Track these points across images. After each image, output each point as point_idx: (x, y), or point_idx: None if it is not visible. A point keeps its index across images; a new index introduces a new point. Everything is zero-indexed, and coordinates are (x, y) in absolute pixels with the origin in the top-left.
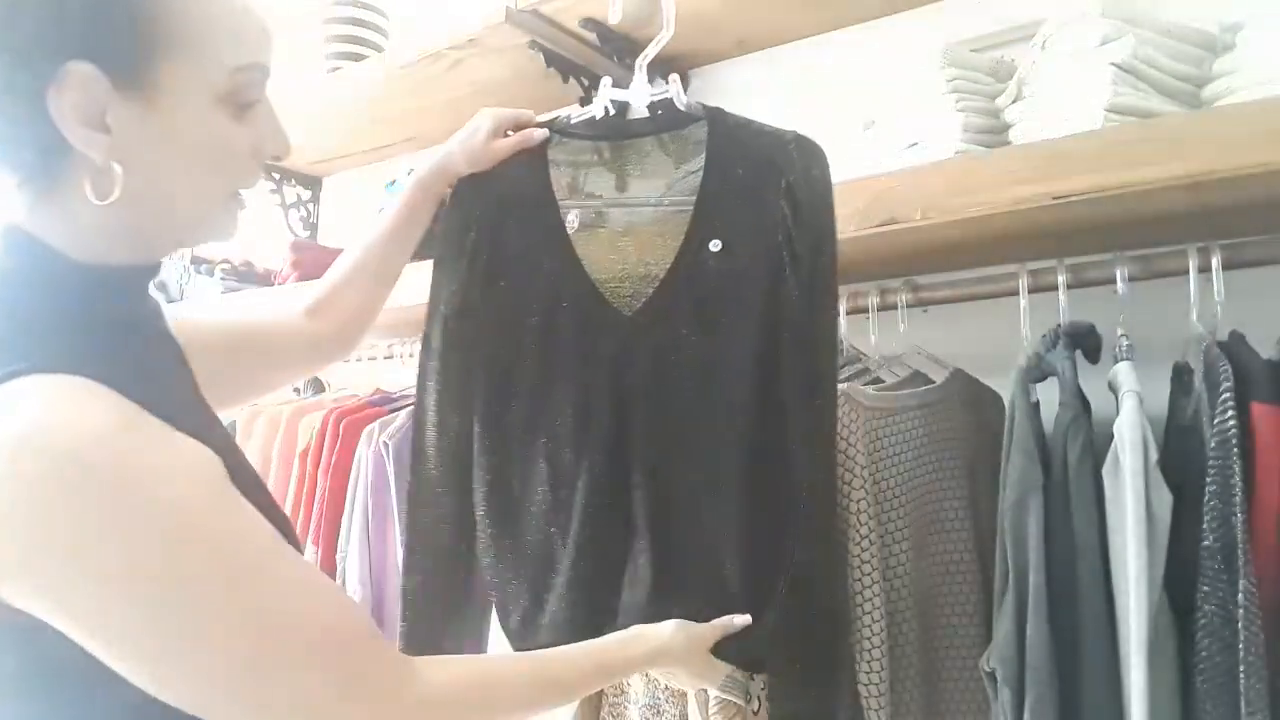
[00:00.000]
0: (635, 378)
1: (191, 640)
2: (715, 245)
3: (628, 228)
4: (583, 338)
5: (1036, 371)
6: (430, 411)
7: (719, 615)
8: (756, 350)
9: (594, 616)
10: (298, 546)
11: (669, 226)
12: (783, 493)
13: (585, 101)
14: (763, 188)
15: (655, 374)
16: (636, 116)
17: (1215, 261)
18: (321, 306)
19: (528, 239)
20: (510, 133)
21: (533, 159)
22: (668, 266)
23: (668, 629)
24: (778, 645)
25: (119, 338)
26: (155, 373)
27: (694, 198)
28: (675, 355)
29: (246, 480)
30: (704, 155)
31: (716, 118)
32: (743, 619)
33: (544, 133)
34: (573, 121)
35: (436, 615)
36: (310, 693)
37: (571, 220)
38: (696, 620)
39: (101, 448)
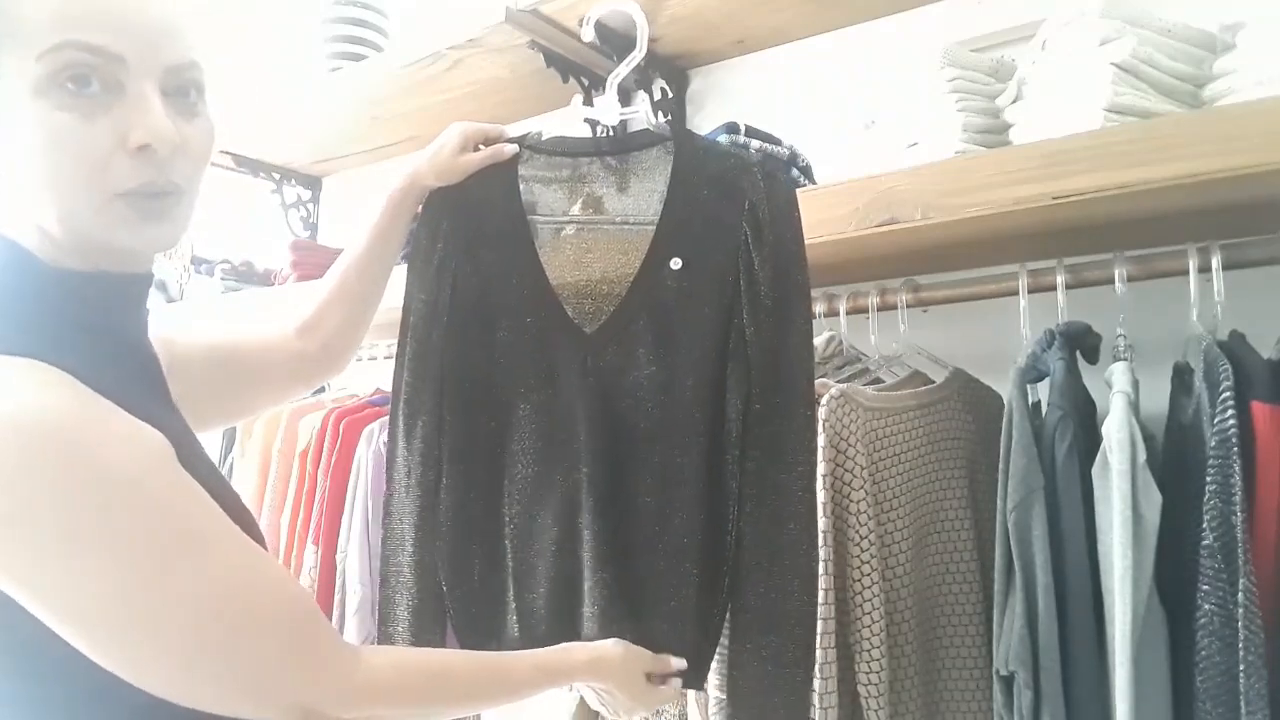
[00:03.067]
0: (595, 396)
1: (136, 610)
2: (676, 263)
3: (592, 244)
4: (544, 354)
5: (1033, 372)
6: (400, 420)
7: (671, 634)
8: (715, 369)
9: (550, 630)
10: (260, 543)
11: (632, 244)
12: (734, 514)
13: (585, 101)
14: (725, 210)
15: (614, 392)
16: (606, 135)
17: (1215, 261)
18: (309, 326)
19: (496, 253)
20: (480, 147)
21: (503, 174)
22: (629, 285)
23: (607, 642)
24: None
25: (85, 337)
26: (119, 371)
27: (658, 217)
28: (633, 374)
29: (210, 479)
30: (669, 176)
31: (683, 139)
32: (679, 662)
33: (513, 148)
34: (543, 138)
35: (407, 624)
36: (254, 666)
37: (539, 235)
38: (649, 634)
39: (49, 422)
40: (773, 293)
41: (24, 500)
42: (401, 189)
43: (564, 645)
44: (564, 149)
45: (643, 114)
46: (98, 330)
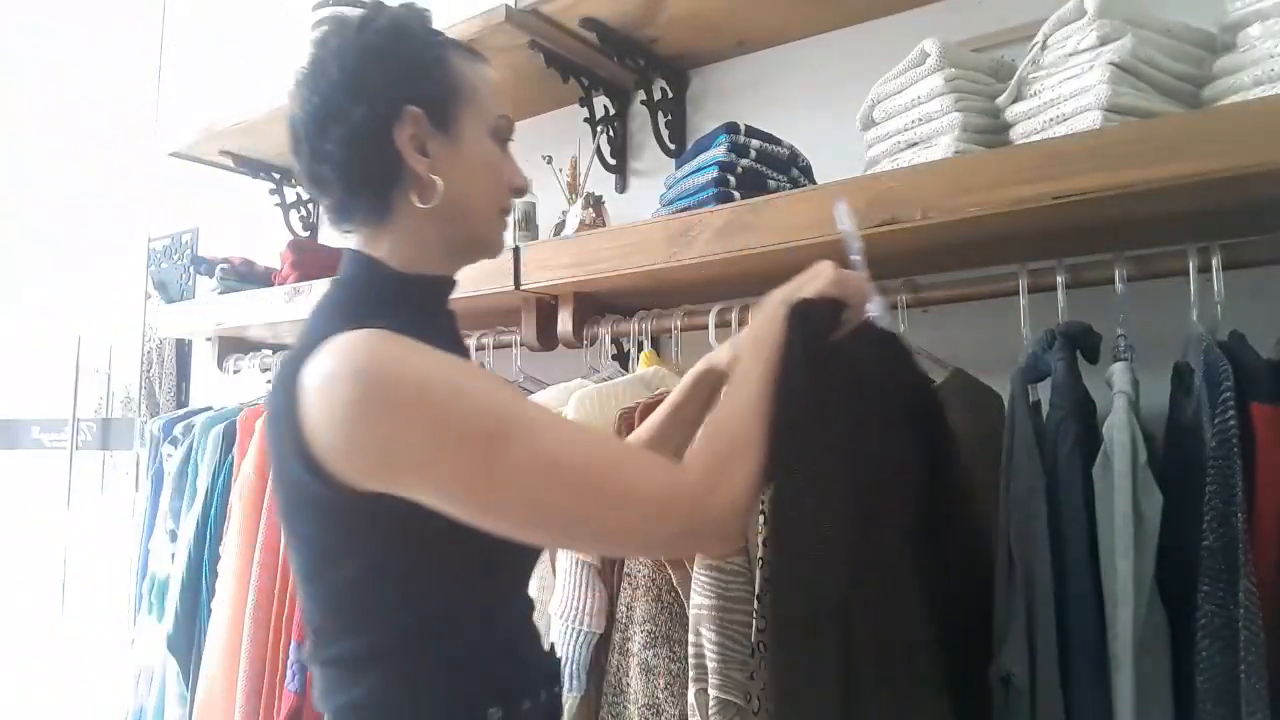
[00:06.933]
0: None
1: (494, 492)
2: None
3: None
4: None
5: (1034, 372)
6: None
7: None
8: None
9: None
10: None
11: None
12: None
13: (584, 101)
14: None
15: None
16: None
17: (1215, 261)
18: None
19: None
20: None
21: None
22: None
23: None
24: None
25: (423, 320)
26: (449, 348)
27: None
28: None
29: None
30: None
31: None
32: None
33: None
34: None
35: None
36: (605, 517)
37: None
38: None
39: (406, 362)
40: None
41: (413, 424)
42: (702, 370)
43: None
44: None
45: None
46: (430, 320)
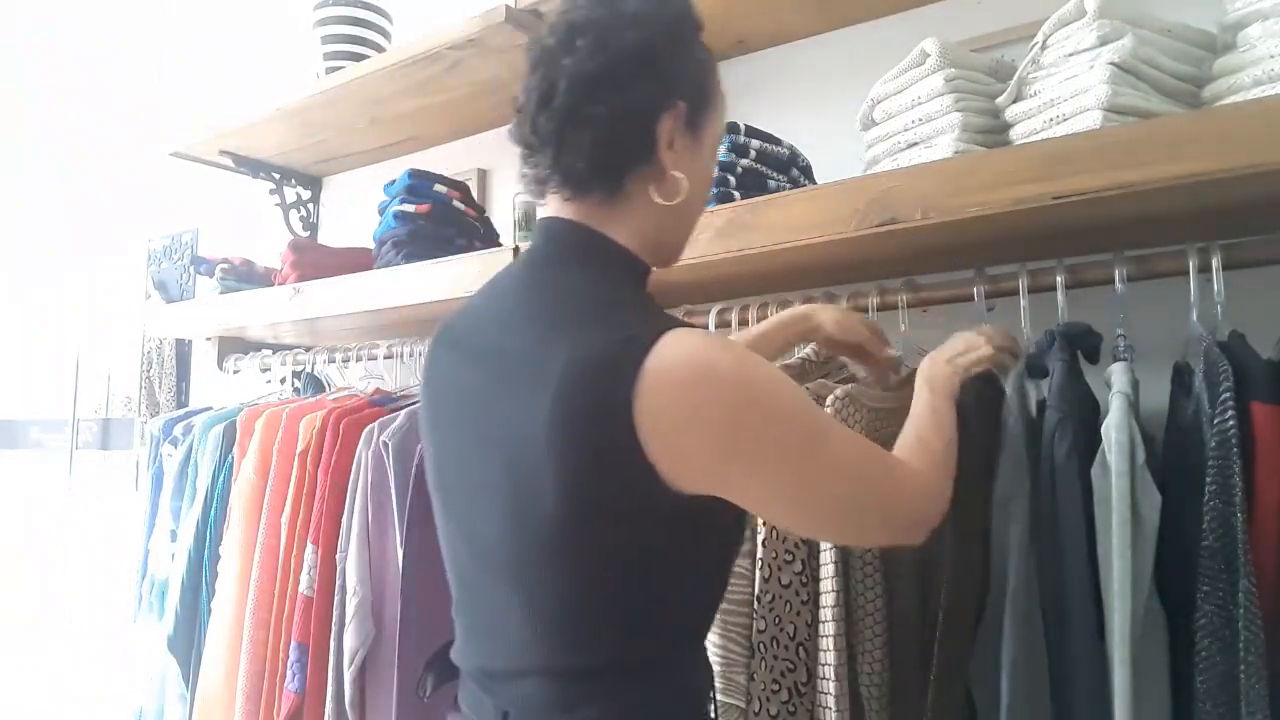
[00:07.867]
0: None
1: (813, 489)
2: None
3: None
4: None
5: (1033, 372)
6: None
7: None
8: None
9: None
10: None
11: None
12: None
13: None
14: None
15: None
16: None
17: (1215, 261)
18: None
19: None
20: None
21: None
22: None
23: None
24: None
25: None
26: None
27: None
28: None
29: None
30: None
31: None
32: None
33: (894, 354)
34: None
35: None
36: (872, 511)
37: None
38: None
39: (759, 367)
40: None
41: (744, 428)
42: (793, 315)
43: (921, 393)
44: None
45: None
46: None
